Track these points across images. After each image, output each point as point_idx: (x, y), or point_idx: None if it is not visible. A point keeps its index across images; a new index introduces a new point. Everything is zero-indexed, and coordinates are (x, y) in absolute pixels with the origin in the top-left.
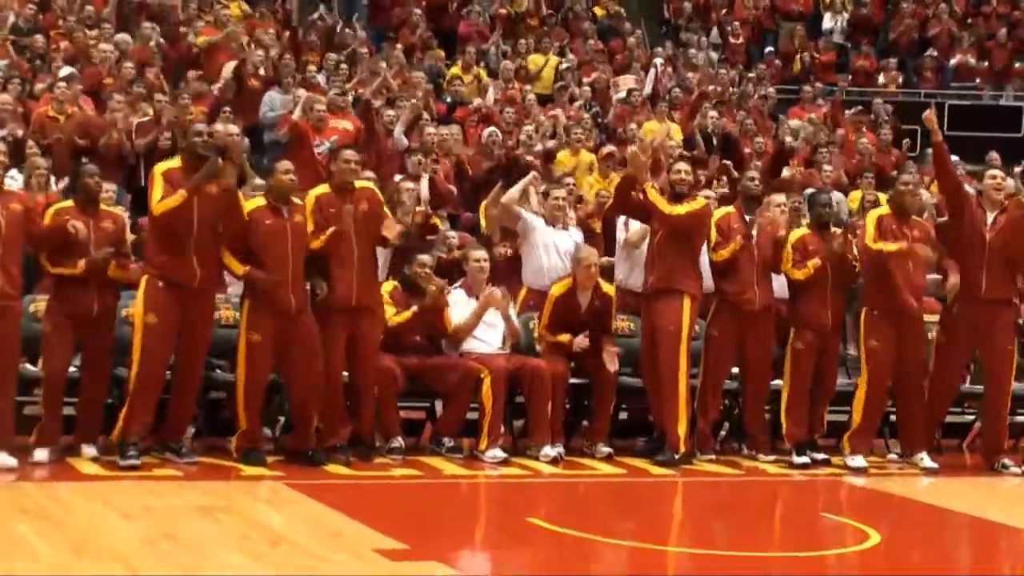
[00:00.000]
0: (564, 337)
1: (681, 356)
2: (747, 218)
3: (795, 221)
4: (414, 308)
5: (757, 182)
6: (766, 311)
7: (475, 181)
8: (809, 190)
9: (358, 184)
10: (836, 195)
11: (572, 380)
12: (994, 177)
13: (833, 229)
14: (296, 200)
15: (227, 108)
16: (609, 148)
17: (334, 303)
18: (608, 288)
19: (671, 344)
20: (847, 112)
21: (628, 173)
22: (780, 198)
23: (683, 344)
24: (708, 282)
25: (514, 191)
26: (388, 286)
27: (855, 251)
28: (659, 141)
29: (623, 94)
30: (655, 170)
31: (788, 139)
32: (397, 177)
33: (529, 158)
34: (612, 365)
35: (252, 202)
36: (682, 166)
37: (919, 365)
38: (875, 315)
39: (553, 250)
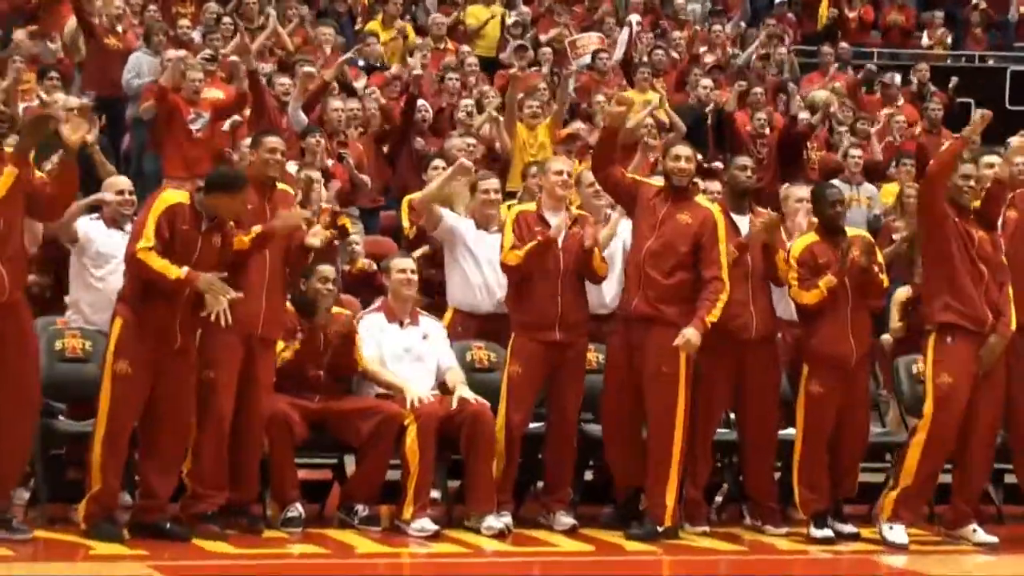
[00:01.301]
0: (531, 244)
1: (679, 407)
2: (736, 219)
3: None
4: (299, 337)
5: (749, 172)
6: (767, 339)
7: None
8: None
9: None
10: (867, 188)
11: (531, 425)
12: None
13: (850, 233)
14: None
15: (53, 74)
16: (574, 127)
17: (231, 329)
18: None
19: (667, 392)
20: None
21: (605, 134)
22: (801, 191)
23: (682, 391)
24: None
25: (433, 185)
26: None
27: (881, 259)
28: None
29: (586, 58)
30: (628, 149)
31: (803, 115)
32: (292, 167)
33: (462, 142)
34: (588, 239)
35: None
36: (682, 151)
37: (997, 407)
38: (949, 341)
39: (486, 262)
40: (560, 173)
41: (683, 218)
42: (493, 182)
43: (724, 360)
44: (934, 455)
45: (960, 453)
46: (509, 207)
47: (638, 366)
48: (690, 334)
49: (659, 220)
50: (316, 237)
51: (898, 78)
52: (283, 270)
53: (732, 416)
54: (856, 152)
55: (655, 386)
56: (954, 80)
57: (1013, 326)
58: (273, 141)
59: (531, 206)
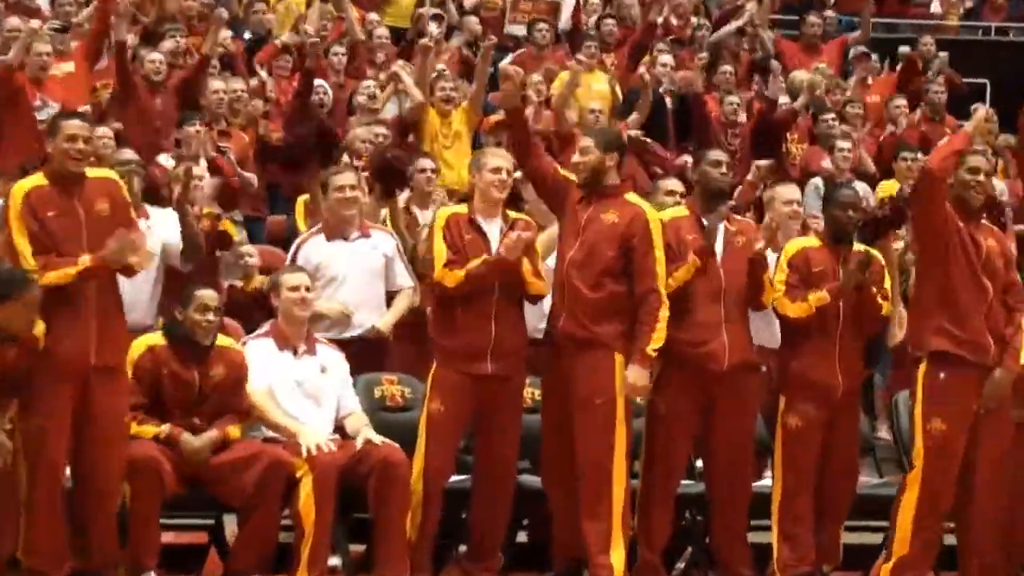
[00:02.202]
0: (475, 263)
1: (617, 448)
2: (706, 224)
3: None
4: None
5: (724, 169)
6: (741, 371)
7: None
8: (817, 179)
9: (92, 173)
10: (859, 186)
11: (453, 478)
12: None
13: (856, 246)
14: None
15: None
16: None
17: (57, 362)
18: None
19: (601, 429)
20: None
21: (509, 118)
22: (790, 192)
23: (620, 428)
24: None
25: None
26: (151, 339)
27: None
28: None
29: (521, 27)
30: (566, 141)
31: (783, 99)
32: (164, 159)
33: (368, 132)
34: (513, 251)
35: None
36: (585, 141)
37: (1003, 442)
38: (942, 377)
39: (343, 280)
40: (498, 170)
41: (608, 218)
42: (347, 177)
43: (688, 396)
44: (930, 516)
45: (962, 508)
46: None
47: (567, 399)
48: (633, 376)
49: (582, 223)
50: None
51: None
52: (114, 282)
53: (698, 464)
54: (845, 144)
55: (586, 421)
56: (939, 57)
57: (1023, 359)
58: (74, 126)
59: (461, 208)
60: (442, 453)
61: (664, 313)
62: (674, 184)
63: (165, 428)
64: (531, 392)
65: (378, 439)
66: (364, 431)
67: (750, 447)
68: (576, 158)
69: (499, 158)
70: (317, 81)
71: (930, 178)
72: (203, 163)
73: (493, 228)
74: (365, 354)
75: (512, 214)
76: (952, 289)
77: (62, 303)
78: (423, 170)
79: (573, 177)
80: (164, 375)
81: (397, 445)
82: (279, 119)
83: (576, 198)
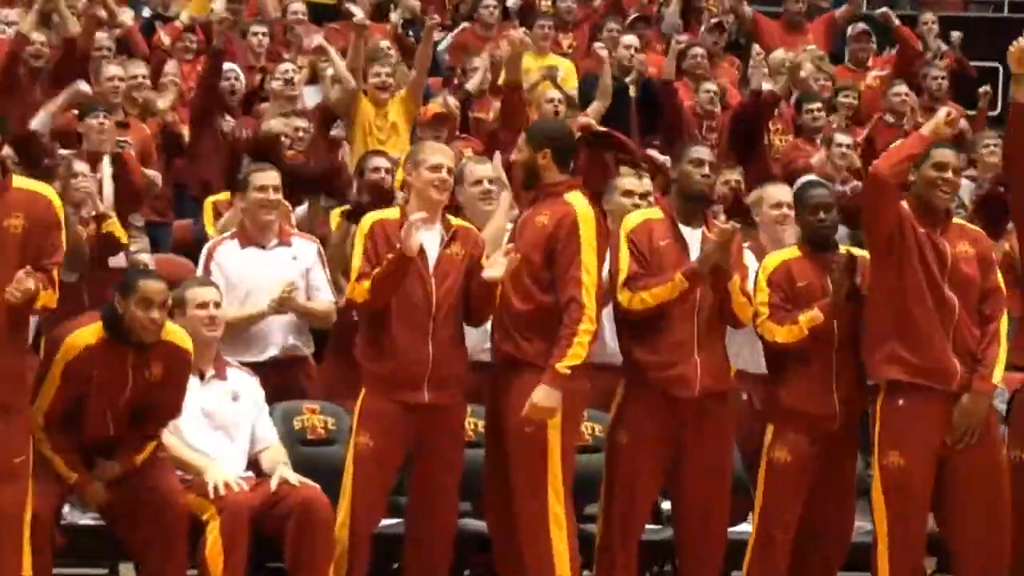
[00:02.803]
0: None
1: (551, 484)
2: (687, 234)
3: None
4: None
5: (707, 169)
6: (715, 399)
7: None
8: (806, 178)
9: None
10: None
11: (384, 522)
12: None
13: (842, 249)
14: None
15: None
16: (440, 103)
17: None
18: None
19: (531, 460)
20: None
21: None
22: (779, 193)
23: (551, 460)
24: (611, 345)
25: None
26: (90, 335)
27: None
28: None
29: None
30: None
31: (766, 85)
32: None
33: (283, 124)
34: (492, 268)
35: None
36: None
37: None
38: (900, 405)
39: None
40: (438, 168)
41: (539, 220)
42: (270, 175)
43: (654, 426)
44: (907, 566)
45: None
46: (345, 214)
47: (502, 427)
48: (538, 396)
49: (518, 228)
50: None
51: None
52: (12, 317)
53: (666, 506)
54: (844, 140)
55: (516, 451)
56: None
57: (998, 377)
58: None
59: (391, 213)
60: (371, 493)
61: (586, 327)
62: (631, 183)
63: (72, 477)
64: (473, 423)
65: (296, 478)
66: (280, 469)
67: (726, 486)
68: (512, 157)
69: (439, 154)
70: (227, 65)
71: (878, 184)
72: (107, 160)
73: (431, 237)
74: (283, 379)
75: (454, 221)
76: (907, 309)
77: None
78: (376, 169)
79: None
80: (93, 378)
81: (317, 486)
82: (184, 109)
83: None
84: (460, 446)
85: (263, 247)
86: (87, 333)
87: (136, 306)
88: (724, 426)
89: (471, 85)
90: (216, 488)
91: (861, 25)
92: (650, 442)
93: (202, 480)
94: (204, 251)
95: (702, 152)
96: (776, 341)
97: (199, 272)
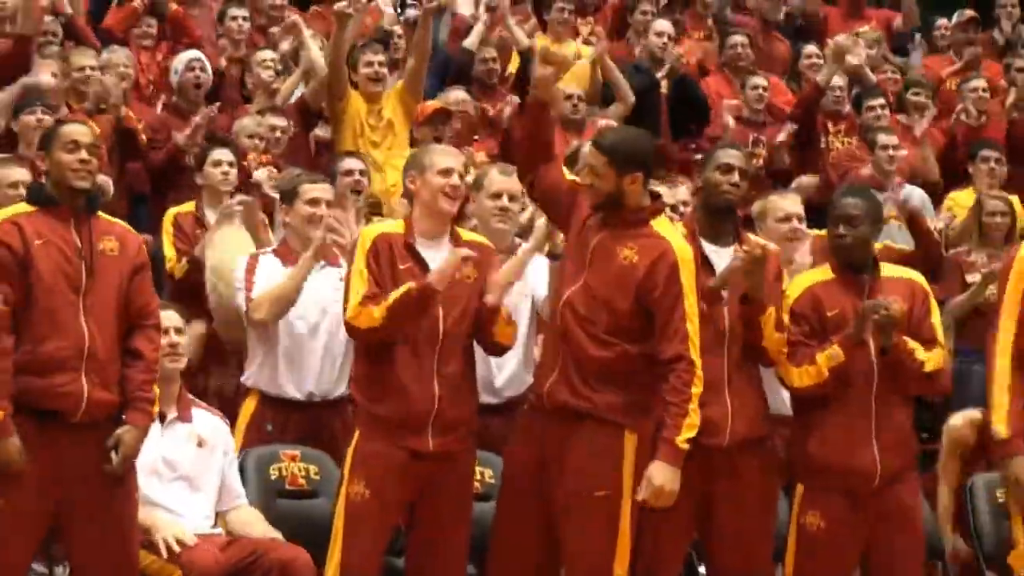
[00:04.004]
0: (397, 293)
1: (618, 553)
2: (712, 253)
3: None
4: None
5: (737, 177)
6: (750, 446)
7: (154, 162)
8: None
9: None
10: (913, 195)
11: None
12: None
13: (885, 274)
14: None
15: None
16: (448, 98)
17: None
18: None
19: (599, 529)
20: None
21: (534, 112)
22: (787, 204)
23: (625, 529)
24: None
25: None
26: (11, 210)
27: (937, 319)
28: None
29: None
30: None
31: (820, 77)
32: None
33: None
34: (492, 291)
35: None
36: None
37: None
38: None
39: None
40: (448, 172)
41: (625, 255)
42: (323, 188)
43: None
44: None
45: None
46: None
47: (552, 487)
48: (660, 477)
49: (590, 252)
50: None
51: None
52: None
53: (703, 571)
54: (888, 140)
55: (580, 519)
56: None
57: None
58: None
59: (395, 226)
60: (364, 554)
61: (697, 389)
62: (661, 191)
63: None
64: (483, 473)
65: (275, 535)
66: (257, 527)
67: (766, 551)
68: (584, 177)
69: (449, 157)
70: (192, 54)
71: None
72: None
73: (436, 256)
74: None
75: (465, 234)
76: None
77: None
78: (349, 172)
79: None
80: (35, 248)
81: (298, 547)
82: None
83: (585, 212)
84: (468, 501)
85: None
86: (8, 209)
87: (61, 150)
88: (763, 474)
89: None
90: (168, 547)
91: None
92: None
93: (153, 538)
94: (243, 266)
95: (732, 156)
96: (792, 387)
97: (240, 286)
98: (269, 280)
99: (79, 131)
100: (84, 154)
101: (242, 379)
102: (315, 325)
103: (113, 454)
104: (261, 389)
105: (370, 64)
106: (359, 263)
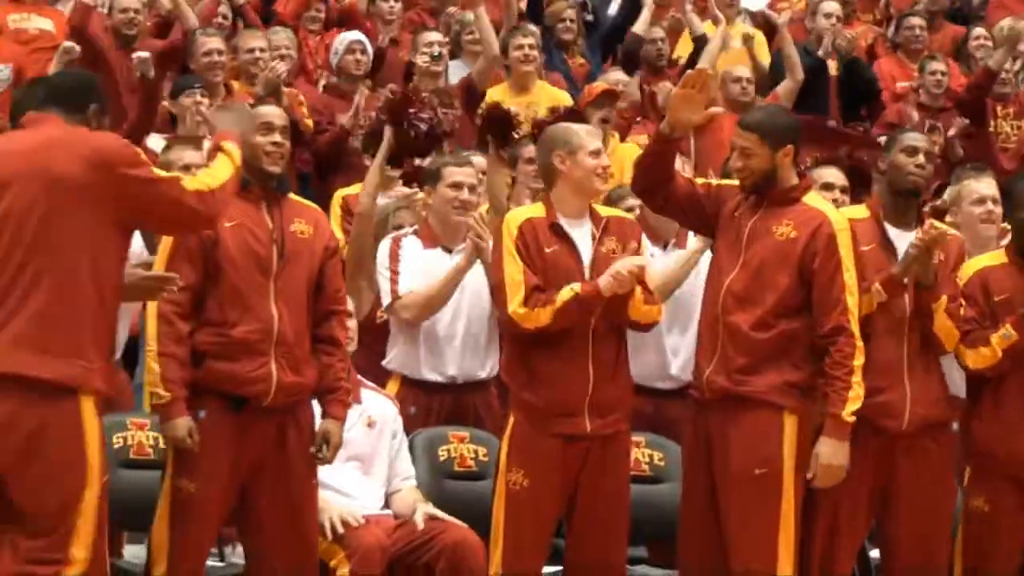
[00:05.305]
0: (564, 296)
1: (783, 528)
2: (896, 236)
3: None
4: None
5: (922, 159)
6: (929, 431)
7: (320, 146)
8: None
9: None
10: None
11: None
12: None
13: None
14: None
15: None
16: (614, 79)
17: None
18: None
19: (761, 509)
20: None
21: (663, 130)
22: (983, 186)
23: (790, 507)
24: None
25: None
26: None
27: None
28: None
29: None
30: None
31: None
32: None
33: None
34: (624, 284)
35: None
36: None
37: None
38: None
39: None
40: (598, 153)
41: (782, 231)
42: (468, 171)
43: (857, 464)
44: None
45: None
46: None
47: (717, 473)
48: (828, 454)
49: (744, 237)
50: None
51: None
52: None
53: (875, 554)
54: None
55: (741, 498)
56: None
57: None
58: None
59: (534, 210)
60: (528, 538)
61: (859, 362)
62: (832, 174)
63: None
64: (647, 454)
65: (445, 517)
66: (422, 507)
67: (945, 535)
68: (734, 161)
69: (597, 138)
70: (353, 35)
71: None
72: (206, 145)
73: (580, 235)
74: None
75: (603, 210)
76: None
77: None
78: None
79: (717, 183)
80: (225, 231)
81: (467, 527)
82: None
83: (733, 206)
84: (626, 482)
85: (450, 251)
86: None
87: (256, 133)
88: (941, 464)
89: None
90: (333, 527)
91: None
92: (851, 480)
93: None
94: (387, 245)
95: (917, 139)
96: (967, 367)
97: (384, 273)
98: (412, 265)
99: (273, 113)
100: (278, 137)
101: (384, 363)
102: (456, 311)
103: (324, 448)
104: (403, 373)
105: (522, 47)
106: (510, 249)
